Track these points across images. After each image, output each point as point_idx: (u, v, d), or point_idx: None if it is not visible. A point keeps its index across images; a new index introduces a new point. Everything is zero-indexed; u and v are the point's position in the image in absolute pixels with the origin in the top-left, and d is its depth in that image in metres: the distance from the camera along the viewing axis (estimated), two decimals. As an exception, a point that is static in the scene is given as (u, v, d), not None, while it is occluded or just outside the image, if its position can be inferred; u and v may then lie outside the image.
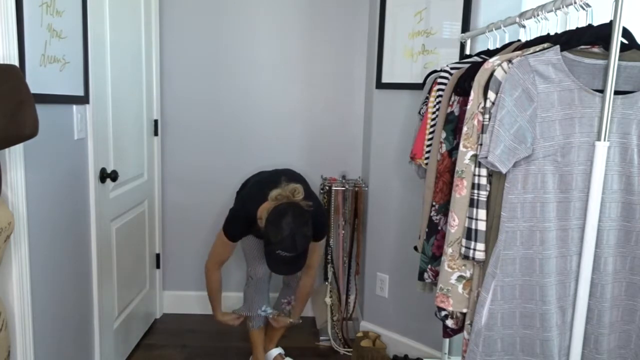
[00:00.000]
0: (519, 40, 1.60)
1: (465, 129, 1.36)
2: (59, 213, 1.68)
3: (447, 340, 2.12)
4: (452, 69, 1.66)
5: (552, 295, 1.28)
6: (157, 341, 2.58)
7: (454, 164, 1.51)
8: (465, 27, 2.08)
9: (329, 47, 2.71)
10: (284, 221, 1.78)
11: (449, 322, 1.49)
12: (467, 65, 1.56)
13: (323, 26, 2.69)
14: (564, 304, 1.30)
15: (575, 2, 1.25)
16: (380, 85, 2.38)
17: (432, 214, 1.61)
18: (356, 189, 2.56)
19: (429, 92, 1.76)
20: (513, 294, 1.30)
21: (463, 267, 1.42)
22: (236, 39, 2.69)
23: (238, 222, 2.02)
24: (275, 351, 2.36)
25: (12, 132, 1.20)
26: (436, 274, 1.62)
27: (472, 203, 1.34)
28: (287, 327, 2.32)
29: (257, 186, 2.09)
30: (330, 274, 2.62)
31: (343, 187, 2.57)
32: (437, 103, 1.67)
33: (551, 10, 1.36)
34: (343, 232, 2.62)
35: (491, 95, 1.27)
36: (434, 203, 1.61)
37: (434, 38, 2.17)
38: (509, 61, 1.27)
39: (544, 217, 1.26)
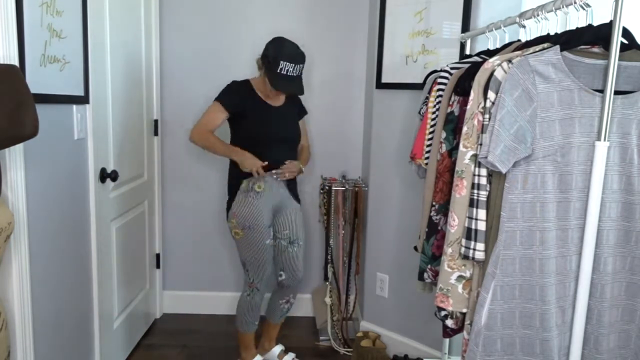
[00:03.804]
0: (519, 40, 1.60)
1: (465, 128, 1.36)
2: (59, 213, 1.68)
3: (447, 340, 2.12)
4: (452, 69, 1.66)
5: (551, 295, 1.28)
6: (157, 341, 2.58)
7: (454, 163, 1.51)
8: (465, 27, 2.08)
9: (329, 47, 2.71)
10: (282, 39, 2.03)
11: (449, 322, 1.49)
12: (467, 65, 1.56)
13: (323, 26, 2.69)
14: (563, 304, 1.30)
15: (575, 2, 1.25)
16: (380, 85, 2.38)
17: (432, 214, 1.61)
18: (356, 189, 2.56)
19: (429, 92, 1.76)
20: (513, 294, 1.30)
21: (463, 267, 1.42)
22: (236, 39, 2.69)
23: (232, 87, 2.13)
24: (277, 349, 2.37)
25: (12, 132, 1.20)
26: (436, 274, 1.62)
27: (472, 203, 1.34)
28: (296, 171, 2.18)
29: None
30: (330, 274, 2.62)
31: (343, 187, 2.57)
32: (437, 103, 1.67)
33: (551, 10, 1.36)
34: (343, 232, 2.62)
35: (491, 95, 1.27)
36: (434, 203, 1.61)
37: (434, 38, 2.17)
38: (509, 61, 1.27)
39: (543, 217, 1.26)
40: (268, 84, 2.03)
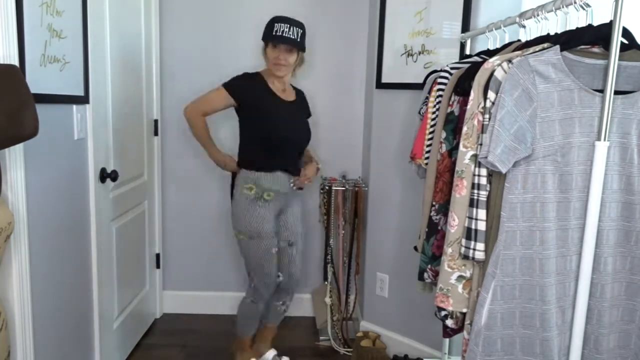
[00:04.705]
0: (519, 40, 1.60)
1: (465, 128, 1.36)
2: (59, 213, 1.68)
3: (447, 340, 2.12)
4: (452, 69, 1.66)
5: (551, 295, 1.28)
6: (157, 341, 2.58)
7: (454, 163, 1.51)
8: (465, 27, 2.08)
9: (329, 47, 2.71)
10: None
11: (449, 322, 1.49)
12: (467, 65, 1.57)
13: (323, 26, 2.69)
14: (563, 304, 1.30)
15: (575, 2, 1.25)
16: (380, 85, 2.38)
17: (432, 214, 1.61)
18: (356, 189, 2.56)
19: (429, 92, 1.76)
20: (513, 294, 1.30)
21: (463, 267, 1.42)
22: (237, 38, 2.69)
23: (244, 75, 2.09)
24: (271, 354, 2.32)
25: (12, 132, 1.20)
26: (436, 274, 1.62)
27: (472, 203, 1.34)
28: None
29: None
30: (330, 274, 2.62)
31: (343, 187, 2.57)
32: (437, 103, 1.67)
33: (551, 10, 1.36)
34: (343, 232, 2.62)
35: (491, 95, 1.27)
36: (433, 203, 1.61)
37: (434, 38, 2.17)
38: (509, 61, 1.27)
39: (543, 217, 1.26)
40: (268, 56, 2.02)
